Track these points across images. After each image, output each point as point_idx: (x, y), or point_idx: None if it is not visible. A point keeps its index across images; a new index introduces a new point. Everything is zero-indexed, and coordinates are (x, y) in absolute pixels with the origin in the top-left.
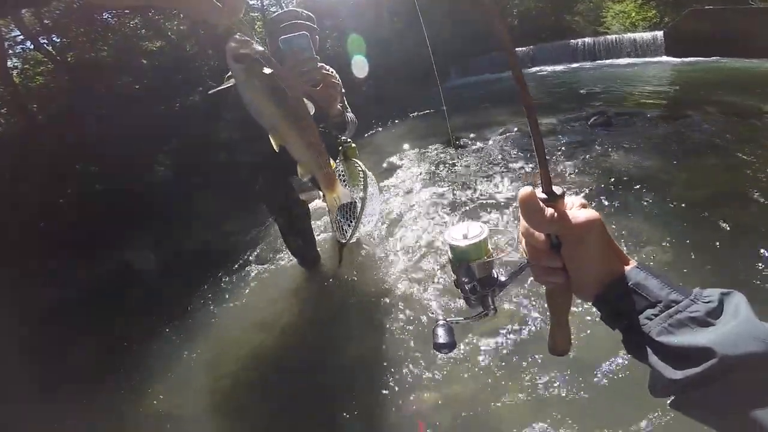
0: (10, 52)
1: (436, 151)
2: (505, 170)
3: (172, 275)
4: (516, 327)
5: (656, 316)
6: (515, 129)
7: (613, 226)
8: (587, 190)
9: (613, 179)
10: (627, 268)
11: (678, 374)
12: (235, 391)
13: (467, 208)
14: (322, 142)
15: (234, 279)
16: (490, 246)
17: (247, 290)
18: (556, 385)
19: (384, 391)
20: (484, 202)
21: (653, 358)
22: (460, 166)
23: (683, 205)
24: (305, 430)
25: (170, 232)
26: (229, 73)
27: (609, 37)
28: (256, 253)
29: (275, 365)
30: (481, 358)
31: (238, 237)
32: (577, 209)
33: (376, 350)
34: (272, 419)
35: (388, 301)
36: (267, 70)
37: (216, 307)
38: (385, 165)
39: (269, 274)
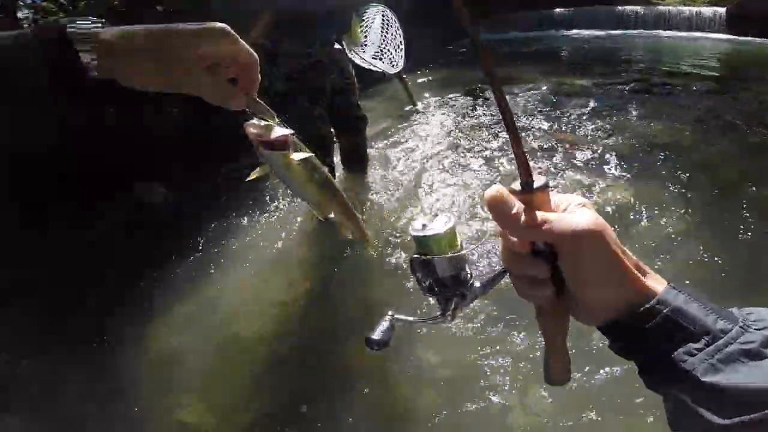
0: (21, 3)
1: (458, 102)
2: (527, 125)
3: (183, 216)
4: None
5: (700, 350)
6: (545, 87)
7: (634, 192)
8: (614, 153)
9: (643, 145)
10: (659, 288)
11: (726, 420)
12: (239, 336)
13: (484, 159)
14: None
15: (245, 221)
16: (462, 241)
17: (258, 233)
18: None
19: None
20: (500, 155)
21: (694, 397)
22: (482, 117)
23: (713, 180)
24: (302, 383)
25: (184, 171)
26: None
27: (662, 7)
28: (271, 196)
29: (279, 313)
30: (484, 359)
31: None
32: (573, 210)
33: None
34: (269, 370)
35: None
36: (302, 155)
37: (224, 250)
38: (403, 112)
39: (282, 218)
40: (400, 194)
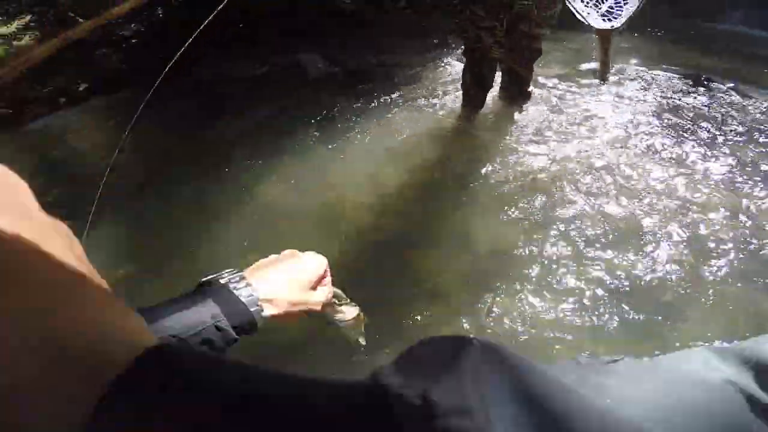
0: None
1: (667, 82)
2: (747, 131)
3: (332, 83)
4: None
5: None
6: None
7: None
8: None
9: None
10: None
11: None
12: (335, 208)
13: (663, 171)
14: None
15: (387, 101)
16: None
17: (394, 121)
18: None
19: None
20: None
21: None
22: (697, 114)
23: None
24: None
25: (342, 48)
26: None
27: None
28: (420, 81)
29: (383, 202)
30: None
31: (403, 64)
32: None
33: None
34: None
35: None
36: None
37: (358, 127)
38: (581, 70)
39: (423, 116)
40: (535, 144)
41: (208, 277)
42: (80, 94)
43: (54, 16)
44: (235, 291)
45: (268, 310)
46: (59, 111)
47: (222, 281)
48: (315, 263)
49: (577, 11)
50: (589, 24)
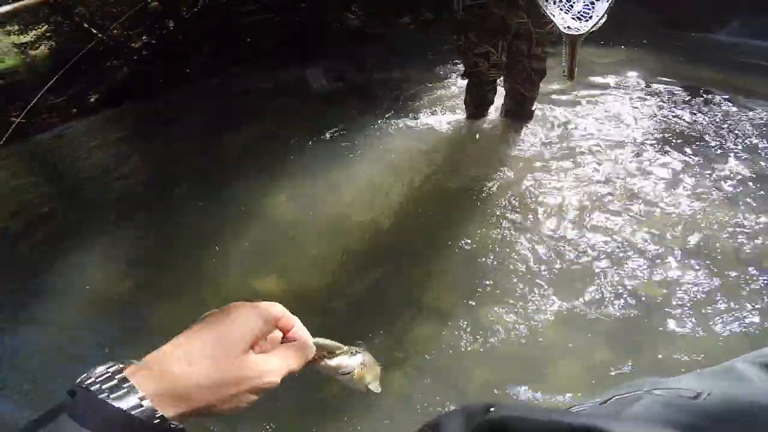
0: None
1: (667, 96)
2: (743, 145)
3: (335, 98)
4: None
5: None
6: None
7: None
8: None
9: None
10: None
11: None
12: (344, 224)
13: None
14: None
15: (389, 116)
16: None
17: (400, 137)
18: None
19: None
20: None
21: None
22: (696, 128)
23: None
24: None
25: (346, 63)
26: None
27: None
28: (422, 96)
29: (387, 214)
30: None
31: (405, 79)
32: None
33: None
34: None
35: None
36: (360, 371)
37: (364, 143)
38: (581, 84)
39: (429, 133)
40: (535, 161)
41: (77, 381)
42: (91, 104)
43: (69, 27)
44: (102, 395)
45: (170, 409)
46: (70, 121)
47: (85, 384)
48: (243, 318)
49: (549, 14)
50: (559, 27)
